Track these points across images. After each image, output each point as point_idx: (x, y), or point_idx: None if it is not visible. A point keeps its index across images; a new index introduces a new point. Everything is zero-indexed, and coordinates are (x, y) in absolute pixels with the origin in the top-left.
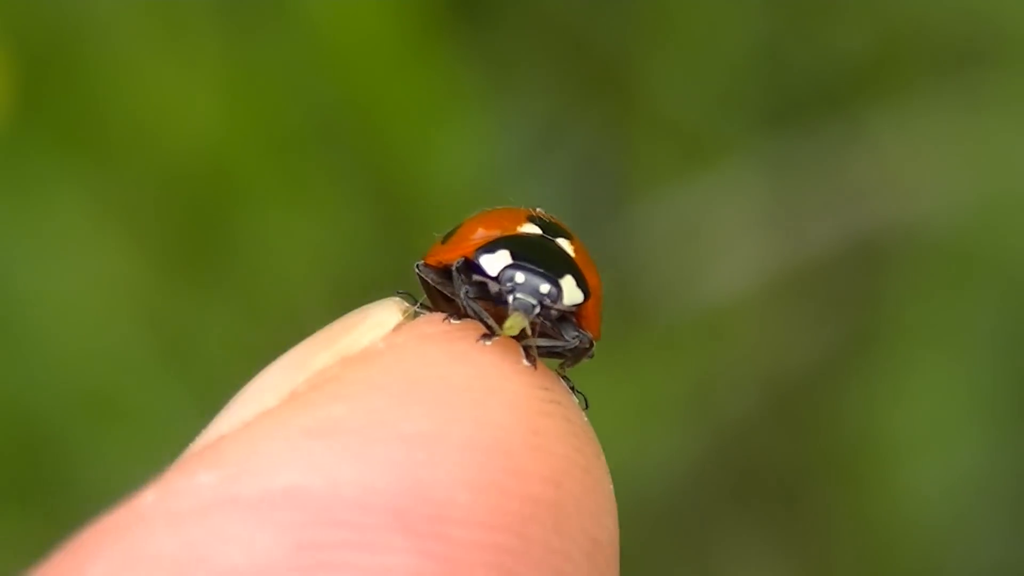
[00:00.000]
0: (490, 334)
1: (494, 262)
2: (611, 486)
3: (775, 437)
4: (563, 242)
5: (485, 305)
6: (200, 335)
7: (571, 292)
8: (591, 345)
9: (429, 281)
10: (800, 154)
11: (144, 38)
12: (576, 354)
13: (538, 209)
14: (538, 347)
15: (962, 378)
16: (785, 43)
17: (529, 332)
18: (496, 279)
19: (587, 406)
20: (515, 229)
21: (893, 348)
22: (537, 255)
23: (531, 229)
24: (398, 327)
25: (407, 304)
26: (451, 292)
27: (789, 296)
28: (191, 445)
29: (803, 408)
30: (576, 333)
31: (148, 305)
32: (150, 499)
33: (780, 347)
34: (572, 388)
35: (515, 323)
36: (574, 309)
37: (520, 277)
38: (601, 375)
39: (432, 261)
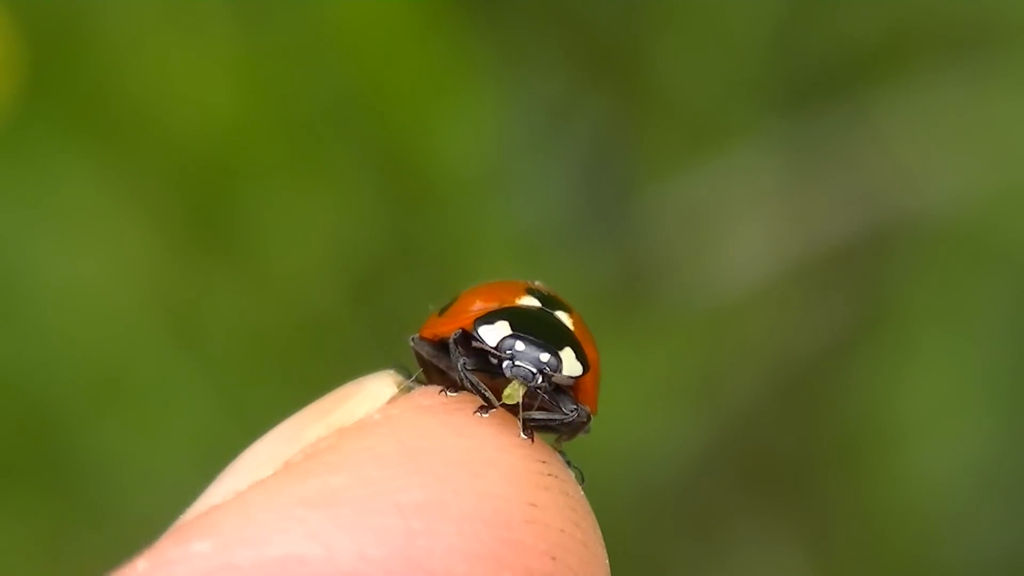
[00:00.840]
0: (487, 406)
1: (493, 333)
2: (607, 560)
3: (782, 423)
4: (562, 315)
5: (482, 377)
6: (208, 314)
7: (570, 364)
8: (588, 419)
9: (424, 355)
10: (810, 139)
11: (154, 18)
12: (573, 428)
13: (536, 282)
14: (535, 420)
15: (969, 364)
16: (795, 28)
17: (527, 402)
18: (495, 349)
19: (583, 480)
20: (514, 301)
21: (901, 333)
22: (537, 327)
23: (530, 302)
24: (393, 400)
25: (401, 377)
26: (446, 366)
27: (798, 282)
28: (182, 515)
29: (810, 394)
30: (574, 407)
31: (157, 284)
32: (142, 568)
33: (788, 333)
34: (568, 463)
35: (514, 391)
36: (572, 382)
37: (520, 346)
38: (608, 359)
39: (428, 334)
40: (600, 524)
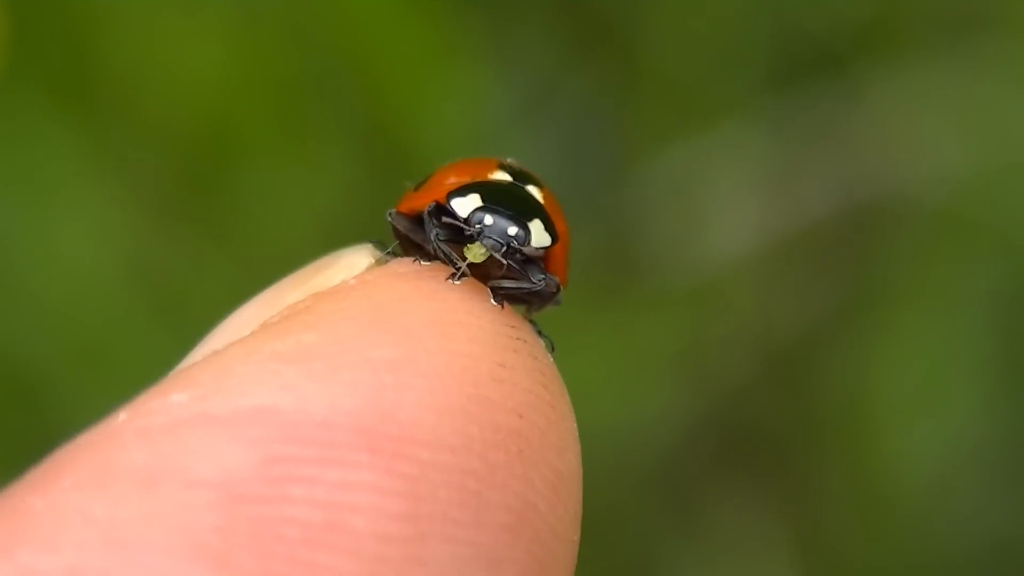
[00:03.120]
0: (459, 274)
1: (465, 205)
2: (575, 425)
3: (767, 399)
4: (533, 189)
5: (455, 249)
6: (193, 287)
7: (539, 235)
8: (558, 290)
9: (400, 228)
10: (799, 116)
11: None
12: (543, 298)
13: (509, 159)
14: (505, 288)
15: (953, 343)
16: (785, 3)
17: (498, 272)
18: (466, 221)
19: (553, 349)
20: (486, 176)
21: (887, 311)
22: (506, 200)
23: (502, 176)
24: (369, 268)
25: (378, 250)
26: (422, 239)
27: (784, 258)
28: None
29: (795, 370)
30: (543, 276)
31: (140, 256)
32: (122, 417)
33: (774, 309)
34: (539, 332)
35: (478, 251)
36: (541, 253)
37: (489, 219)
38: (594, 334)
39: (404, 208)
40: (583, 498)
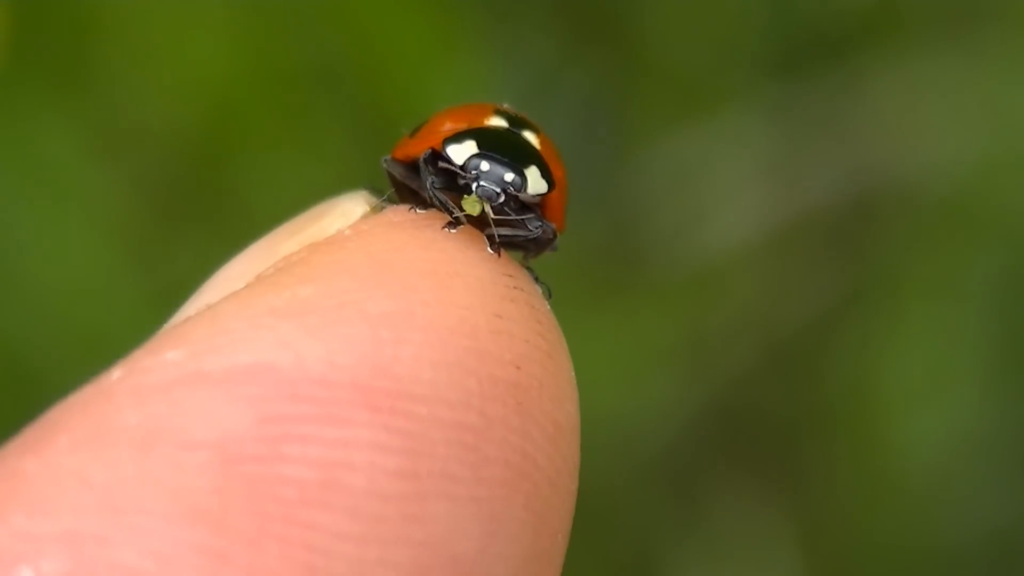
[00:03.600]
0: (456, 223)
1: (460, 152)
2: (573, 373)
3: (770, 388)
4: (529, 135)
5: (451, 196)
6: (195, 278)
7: (535, 182)
8: (555, 236)
9: (396, 175)
10: (800, 105)
11: None
12: (540, 244)
13: (505, 104)
14: (502, 236)
15: (958, 331)
16: None
17: (492, 218)
18: (462, 168)
19: (551, 296)
20: (482, 122)
21: (889, 300)
22: (503, 146)
23: (498, 122)
24: (365, 216)
25: (374, 197)
26: (417, 185)
27: (786, 247)
28: (159, 330)
29: (798, 360)
30: (540, 223)
31: (142, 247)
32: (116, 375)
33: (776, 298)
34: (536, 279)
35: (475, 202)
36: (538, 199)
37: (485, 166)
38: (597, 323)
39: (400, 155)
40: (584, 488)
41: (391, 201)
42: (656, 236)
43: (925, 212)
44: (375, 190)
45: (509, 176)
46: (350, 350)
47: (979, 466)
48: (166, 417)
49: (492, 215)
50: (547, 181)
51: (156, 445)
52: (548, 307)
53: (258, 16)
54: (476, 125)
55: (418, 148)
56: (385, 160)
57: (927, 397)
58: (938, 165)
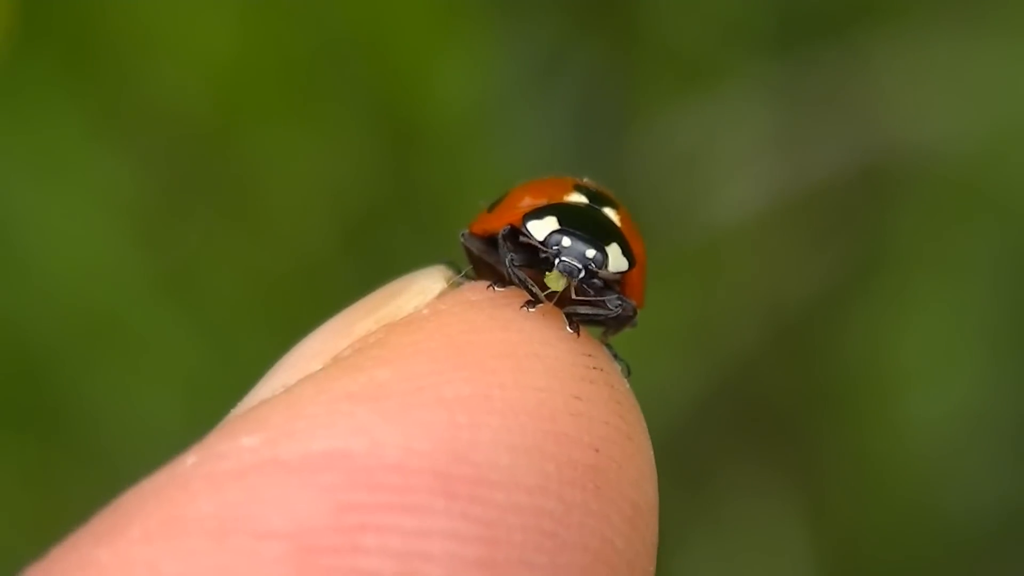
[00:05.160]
0: (534, 301)
1: (541, 228)
2: (651, 453)
3: (776, 366)
4: (609, 211)
5: (530, 273)
6: (200, 258)
7: (616, 259)
8: (635, 313)
9: (474, 250)
10: (803, 81)
11: None
12: (619, 322)
13: (585, 179)
14: (581, 315)
15: (963, 309)
16: None
17: (572, 295)
18: (543, 244)
19: (629, 373)
20: (562, 198)
21: (895, 277)
22: (584, 222)
23: (578, 198)
24: (442, 294)
25: (451, 272)
26: (495, 261)
27: (790, 224)
28: (234, 410)
29: (804, 338)
30: (620, 301)
31: (150, 227)
32: (191, 461)
33: (781, 276)
34: (615, 356)
35: (558, 278)
36: (619, 277)
37: (567, 242)
38: None
39: (478, 230)
40: None
41: (468, 277)
42: (660, 215)
43: (930, 187)
44: (452, 263)
45: (591, 253)
46: (427, 436)
47: (986, 444)
48: (241, 506)
49: (573, 293)
50: (628, 259)
51: (231, 535)
52: (627, 386)
53: None
54: (556, 200)
55: (497, 223)
56: (463, 235)
57: (934, 374)
58: (942, 140)
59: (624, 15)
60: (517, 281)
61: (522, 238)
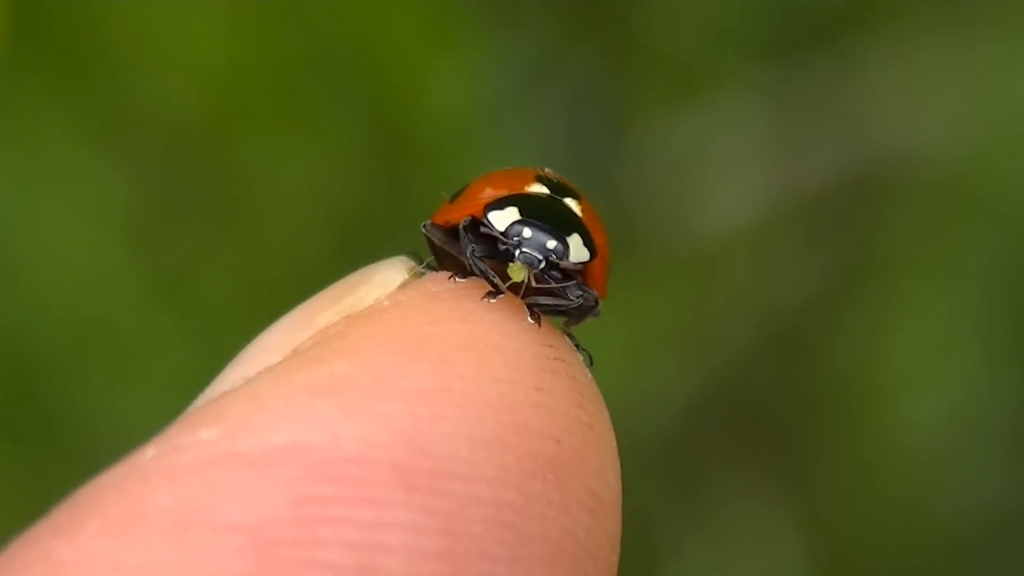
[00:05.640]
0: (495, 292)
1: (502, 219)
2: (614, 443)
3: (769, 371)
4: (571, 202)
5: (491, 264)
6: (193, 266)
7: (577, 250)
8: (596, 304)
9: (436, 241)
10: (796, 87)
11: None
12: (581, 312)
13: (546, 169)
14: (543, 305)
15: (956, 313)
16: None
17: (534, 286)
18: (503, 235)
19: (592, 363)
20: (523, 188)
21: (888, 282)
22: (545, 213)
23: (539, 189)
24: (403, 285)
25: (413, 263)
26: (457, 251)
27: (784, 230)
28: (193, 402)
29: (797, 342)
30: (581, 292)
31: (142, 235)
32: (150, 454)
33: (775, 281)
34: (577, 346)
35: (519, 269)
36: (580, 267)
37: (527, 232)
38: None
39: (440, 220)
40: None
41: (430, 268)
42: (654, 221)
43: (923, 193)
44: (413, 254)
45: (551, 243)
46: (386, 428)
47: (979, 448)
48: (200, 499)
49: (533, 283)
50: (589, 249)
51: (189, 529)
52: (590, 376)
53: (258, 3)
54: (517, 191)
55: (458, 214)
56: (424, 225)
57: (926, 379)
58: (935, 146)
59: (617, 21)
60: (478, 272)
61: (483, 229)
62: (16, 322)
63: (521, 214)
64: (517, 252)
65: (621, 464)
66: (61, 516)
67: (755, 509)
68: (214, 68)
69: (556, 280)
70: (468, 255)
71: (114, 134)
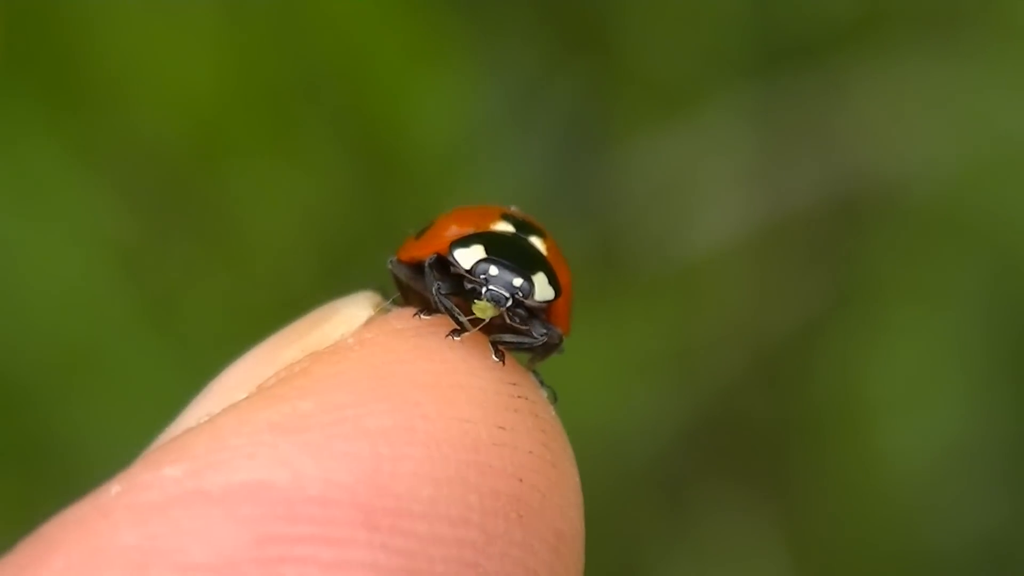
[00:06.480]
0: (460, 330)
1: (468, 256)
2: (578, 480)
3: (756, 395)
4: (536, 240)
5: (456, 301)
6: (181, 291)
7: (543, 289)
8: (560, 341)
9: (401, 278)
10: (783, 109)
11: None
12: (545, 349)
13: (512, 207)
14: (507, 343)
15: (942, 336)
16: None
17: (499, 324)
18: (469, 273)
19: (556, 400)
20: (489, 226)
21: (874, 305)
22: (510, 251)
23: (505, 227)
24: (368, 322)
25: (379, 298)
26: (423, 287)
27: (771, 251)
28: (158, 438)
29: (784, 365)
30: (545, 330)
31: (132, 260)
32: (115, 491)
33: (762, 303)
34: (541, 383)
35: (485, 307)
36: (544, 305)
37: (493, 270)
38: (583, 331)
39: (405, 257)
40: None
41: (396, 304)
42: (641, 242)
43: (908, 216)
44: (380, 289)
45: (517, 281)
46: (348, 468)
47: (964, 472)
48: (163, 537)
49: (498, 319)
50: (554, 287)
51: (152, 567)
52: (553, 413)
53: (244, 29)
54: (483, 229)
55: (424, 251)
56: (391, 262)
57: (912, 403)
58: (921, 169)
59: (605, 44)
60: (444, 309)
61: (449, 266)
62: (3, 345)
63: (487, 252)
64: (484, 290)
65: (609, 485)
66: (25, 552)
67: (743, 530)
68: (202, 93)
69: (521, 318)
70: (434, 292)
71: (103, 159)
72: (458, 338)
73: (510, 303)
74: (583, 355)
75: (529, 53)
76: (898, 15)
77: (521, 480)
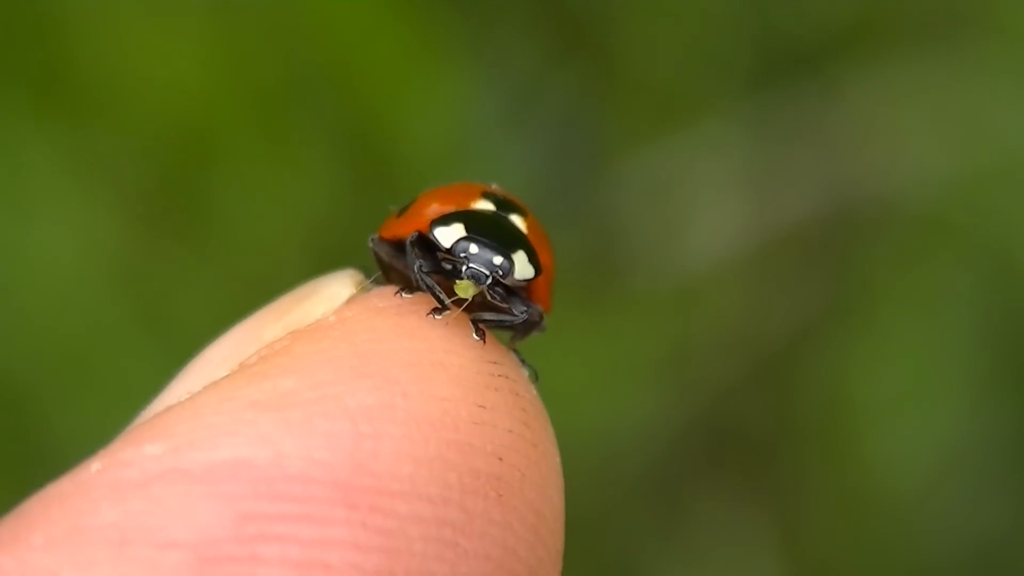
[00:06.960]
0: (441, 308)
1: (448, 235)
2: (558, 459)
3: (752, 400)
4: (516, 219)
5: (437, 279)
6: (176, 293)
7: (523, 267)
8: (541, 319)
9: (383, 256)
10: (780, 118)
11: None
12: (526, 327)
13: (493, 185)
14: (488, 320)
15: (938, 344)
16: (767, 5)
17: (480, 302)
18: (449, 251)
19: (537, 379)
20: (469, 204)
21: (869, 313)
22: (491, 230)
23: (485, 205)
24: (350, 300)
25: (361, 276)
26: (404, 266)
27: (767, 259)
28: (140, 415)
29: (780, 373)
30: (526, 307)
31: (122, 263)
32: (95, 468)
33: (757, 310)
34: (523, 361)
35: (466, 286)
36: (525, 284)
37: (474, 249)
38: (578, 338)
39: (387, 235)
40: (568, 501)
41: (378, 282)
42: (636, 249)
43: (904, 224)
44: (362, 268)
45: (497, 260)
46: (329, 446)
47: (959, 478)
48: (143, 515)
49: (478, 297)
50: (534, 266)
51: (132, 544)
52: (534, 392)
53: (236, 30)
54: (464, 207)
55: (405, 229)
56: (372, 239)
57: (908, 409)
58: (917, 177)
59: (601, 49)
60: (425, 287)
61: (431, 244)
62: None
63: (467, 230)
64: (464, 268)
65: (606, 488)
66: (5, 529)
67: (738, 534)
68: (192, 96)
69: (501, 296)
70: (415, 270)
71: (94, 161)
72: (439, 316)
73: (490, 281)
74: (579, 360)
75: (525, 55)
76: (895, 23)
77: (501, 459)
